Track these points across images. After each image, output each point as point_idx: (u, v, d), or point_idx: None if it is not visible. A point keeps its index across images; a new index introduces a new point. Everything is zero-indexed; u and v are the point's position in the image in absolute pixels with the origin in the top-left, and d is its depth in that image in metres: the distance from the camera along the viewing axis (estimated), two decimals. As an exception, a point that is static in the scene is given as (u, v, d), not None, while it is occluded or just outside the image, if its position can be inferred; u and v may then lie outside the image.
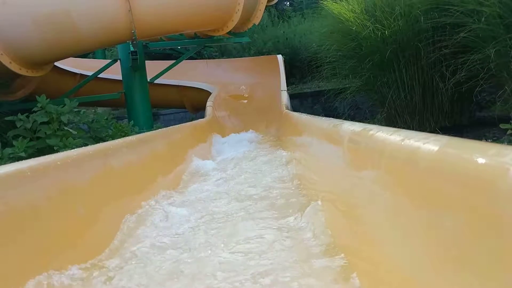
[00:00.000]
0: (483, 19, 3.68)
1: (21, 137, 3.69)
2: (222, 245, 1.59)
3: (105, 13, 4.78)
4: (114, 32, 4.92)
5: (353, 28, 5.36)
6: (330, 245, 1.49)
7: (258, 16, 6.30)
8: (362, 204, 1.46)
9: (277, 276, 1.29)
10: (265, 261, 1.42)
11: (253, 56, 9.68)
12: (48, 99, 4.11)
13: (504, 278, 0.66)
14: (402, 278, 1.01)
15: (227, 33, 5.91)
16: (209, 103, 6.52)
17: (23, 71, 4.68)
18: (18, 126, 3.89)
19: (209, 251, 1.55)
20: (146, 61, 6.66)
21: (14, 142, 3.57)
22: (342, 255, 1.38)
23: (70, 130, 4.04)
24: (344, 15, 5.51)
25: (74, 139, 3.84)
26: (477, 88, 4.16)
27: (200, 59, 9.61)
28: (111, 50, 10.62)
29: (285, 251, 1.50)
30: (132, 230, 1.84)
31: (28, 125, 3.86)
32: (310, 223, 1.72)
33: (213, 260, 1.46)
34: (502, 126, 3.48)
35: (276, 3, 9.42)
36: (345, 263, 1.32)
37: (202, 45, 7.81)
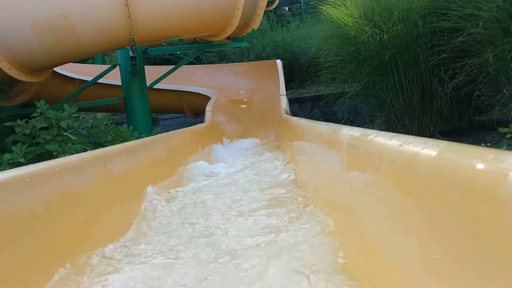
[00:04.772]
0: (481, 23, 3.69)
1: (20, 143, 3.68)
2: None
3: (105, 18, 4.79)
4: (114, 37, 4.93)
5: (352, 33, 5.37)
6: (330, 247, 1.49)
7: (257, 21, 6.32)
8: (361, 208, 1.46)
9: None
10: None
11: (252, 61, 9.70)
12: (47, 105, 4.11)
13: (504, 282, 0.66)
14: (402, 281, 1.01)
15: (226, 38, 5.92)
16: (208, 108, 6.52)
17: (22, 77, 4.68)
18: (17, 131, 3.89)
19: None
20: (145, 66, 6.67)
21: (13, 148, 3.57)
22: (344, 258, 1.38)
23: (70, 135, 4.03)
24: (343, 20, 5.53)
25: (73, 145, 3.84)
26: (475, 92, 4.17)
27: (199, 64, 9.63)
28: (110, 55, 10.64)
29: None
30: (133, 235, 1.84)
31: (27, 131, 3.86)
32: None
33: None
34: (501, 130, 3.49)
35: (275, 8, 9.45)
36: (347, 269, 1.32)
37: (201, 50, 7.83)
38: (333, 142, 2.07)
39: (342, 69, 5.97)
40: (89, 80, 6.75)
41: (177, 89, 7.82)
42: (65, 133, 4.02)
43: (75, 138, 4.06)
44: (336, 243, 1.49)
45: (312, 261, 1.39)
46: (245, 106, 7.42)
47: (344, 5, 5.58)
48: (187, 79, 8.01)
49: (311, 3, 8.49)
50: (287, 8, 14.98)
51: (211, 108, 6.54)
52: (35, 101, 4.16)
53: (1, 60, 4.40)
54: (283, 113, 5.95)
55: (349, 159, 1.74)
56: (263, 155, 4.24)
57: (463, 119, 5.11)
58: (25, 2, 4.55)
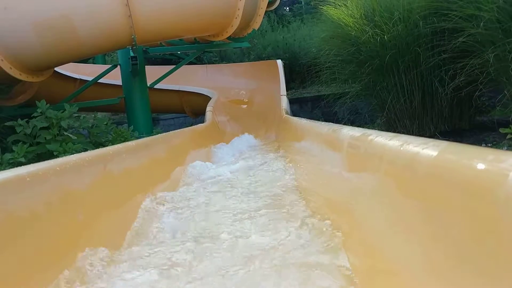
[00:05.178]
0: (481, 24, 3.69)
1: (20, 142, 3.68)
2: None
3: (105, 18, 4.79)
4: (114, 37, 4.93)
5: (353, 33, 5.37)
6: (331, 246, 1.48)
7: (257, 21, 6.33)
8: (362, 209, 1.46)
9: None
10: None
11: (253, 61, 9.71)
12: (48, 104, 4.12)
13: (504, 282, 0.66)
14: (402, 281, 1.01)
15: (227, 38, 5.92)
16: (209, 108, 6.53)
17: (23, 77, 4.68)
18: (18, 131, 3.89)
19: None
20: (146, 66, 6.68)
21: (14, 147, 3.57)
22: (346, 259, 1.38)
23: (70, 135, 4.03)
24: (343, 20, 5.53)
25: (74, 144, 3.84)
26: (476, 93, 4.17)
27: (200, 64, 9.64)
28: (111, 55, 10.65)
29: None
30: (132, 237, 1.84)
31: (28, 130, 3.86)
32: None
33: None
34: (501, 130, 3.50)
35: (275, 8, 9.46)
36: (351, 272, 1.31)
37: (202, 50, 7.83)
38: (334, 142, 2.07)
39: (342, 69, 5.97)
40: (90, 80, 6.76)
41: (177, 89, 7.83)
42: (65, 133, 4.02)
43: (76, 138, 4.07)
44: (337, 242, 1.49)
45: (316, 261, 1.40)
46: (245, 106, 7.43)
47: (345, 5, 5.58)
48: (188, 79, 8.02)
49: (312, 3, 8.49)
50: (287, 8, 14.98)
51: (211, 108, 6.54)
52: (36, 101, 4.17)
53: (2, 60, 4.40)
54: (284, 113, 5.95)
55: (350, 159, 1.74)
56: (264, 155, 4.24)
57: (463, 120, 5.11)
58: (26, 2, 4.55)
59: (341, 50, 5.79)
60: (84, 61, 8.55)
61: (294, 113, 6.82)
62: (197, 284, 1.35)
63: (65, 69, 6.91)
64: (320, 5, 6.19)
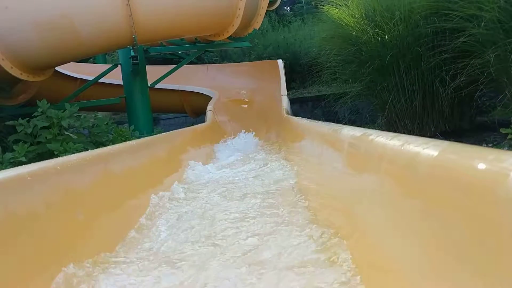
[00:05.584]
0: (482, 24, 3.69)
1: (21, 142, 3.69)
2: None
3: (106, 18, 4.79)
4: (115, 37, 4.93)
5: (353, 33, 5.37)
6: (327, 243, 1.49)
7: (258, 21, 6.32)
8: (362, 208, 1.46)
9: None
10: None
11: (254, 61, 9.71)
12: (49, 104, 4.12)
13: (503, 282, 0.66)
14: (403, 281, 1.01)
15: (228, 38, 5.92)
16: (209, 108, 6.53)
17: (24, 76, 4.69)
18: (18, 130, 3.89)
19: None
20: (146, 66, 6.68)
21: (15, 147, 3.58)
22: (347, 258, 1.38)
23: (71, 134, 4.04)
24: (344, 20, 5.53)
25: (75, 144, 3.85)
26: (477, 93, 4.17)
27: (201, 63, 9.64)
28: (112, 55, 10.65)
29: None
30: (133, 238, 1.84)
31: (29, 130, 3.87)
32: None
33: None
34: (502, 130, 3.49)
35: (276, 8, 9.46)
36: (349, 270, 1.31)
37: (203, 50, 7.83)
38: (334, 142, 2.07)
39: (343, 69, 5.97)
40: (91, 79, 6.76)
41: (178, 88, 7.83)
42: (66, 132, 4.03)
43: (76, 137, 4.07)
44: (338, 242, 1.50)
45: (317, 260, 1.40)
46: (246, 106, 7.43)
47: (346, 5, 5.58)
48: (188, 78, 8.02)
49: (313, 3, 8.49)
50: (288, 8, 14.99)
51: (212, 108, 6.55)
52: (37, 100, 4.17)
53: (3, 59, 4.41)
54: (284, 113, 5.95)
55: (351, 159, 1.74)
56: (264, 155, 4.24)
57: (464, 120, 5.11)
58: (27, 2, 4.55)
59: (341, 50, 5.79)
60: (85, 60, 8.56)
61: (294, 113, 6.82)
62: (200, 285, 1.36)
63: (65, 69, 6.91)
64: (321, 5, 6.19)
